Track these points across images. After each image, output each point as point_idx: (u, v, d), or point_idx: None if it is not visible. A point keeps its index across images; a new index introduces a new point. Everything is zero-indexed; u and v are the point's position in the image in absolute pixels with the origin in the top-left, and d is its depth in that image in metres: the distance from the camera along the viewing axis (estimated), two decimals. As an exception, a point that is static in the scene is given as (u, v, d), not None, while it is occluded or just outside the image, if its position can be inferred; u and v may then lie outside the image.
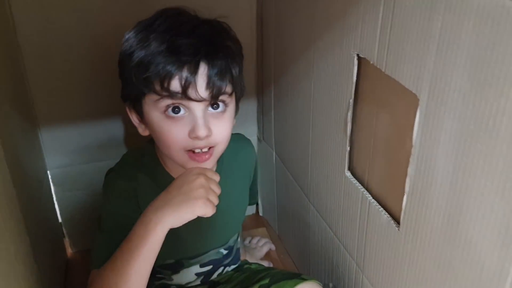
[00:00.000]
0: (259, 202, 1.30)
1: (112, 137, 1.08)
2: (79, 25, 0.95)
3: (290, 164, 1.04)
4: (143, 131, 0.76)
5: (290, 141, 1.02)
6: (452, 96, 0.50)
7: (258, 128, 1.21)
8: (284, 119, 1.02)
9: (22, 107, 0.94)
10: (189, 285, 0.88)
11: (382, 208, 0.70)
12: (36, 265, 0.75)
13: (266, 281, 0.83)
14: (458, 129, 0.50)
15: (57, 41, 0.95)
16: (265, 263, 1.10)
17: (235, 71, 0.71)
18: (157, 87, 0.68)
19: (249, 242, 1.22)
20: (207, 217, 0.65)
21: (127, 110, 0.77)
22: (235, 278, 0.90)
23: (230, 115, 0.74)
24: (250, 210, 1.34)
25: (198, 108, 0.69)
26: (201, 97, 0.68)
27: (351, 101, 0.72)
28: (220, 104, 0.72)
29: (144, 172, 0.78)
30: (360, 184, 0.75)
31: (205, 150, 0.71)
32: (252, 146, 0.94)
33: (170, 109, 0.69)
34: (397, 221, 0.66)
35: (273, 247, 1.21)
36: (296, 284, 0.80)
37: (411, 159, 0.60)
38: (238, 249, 0.95)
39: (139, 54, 0.69)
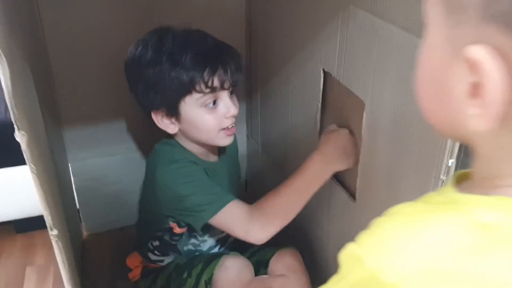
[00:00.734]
0: (247, 189, 1.49)
1: (122, 135, 1.27)
2: (101, 33, 1.12)
3: (274, 157, 1.24)
4: (173, 129, 0.95)
5: (273, 138, 1.22)
6: (386, 101, 0.71)
7: (247, 126, 1.40)
8: (269, 119, 1.22)
9: (50, 107, 1.12)
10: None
11: (342, 187, 0.91)
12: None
13: (256, 248, 1.03)
14: (392, 122, 0.71)
15: (81, 47, 1.12)
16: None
17: (241, 66, 0.95)
18: (202, 87, 0.89)
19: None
20: None
21: (156, 116, 0.94)
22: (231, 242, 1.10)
23: None
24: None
25: (226, 96, 0.92)
26: (229, 87, 0.92)
27: (319, 105, 0.92)
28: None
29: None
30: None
31: (231, 124, 0.95)
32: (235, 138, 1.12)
33: (211, 103, 0.91)
34: (353, 196, 0.87)
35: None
36: (276, 250, 1.00)
37: (361, 149, 0.80)
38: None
39: (176, 67, 0.88)
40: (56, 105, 1.18)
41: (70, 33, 1.11)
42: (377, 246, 0.36)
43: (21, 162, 1.26)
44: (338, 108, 0.90)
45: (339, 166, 0.87)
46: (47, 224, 0.66)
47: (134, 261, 1.09)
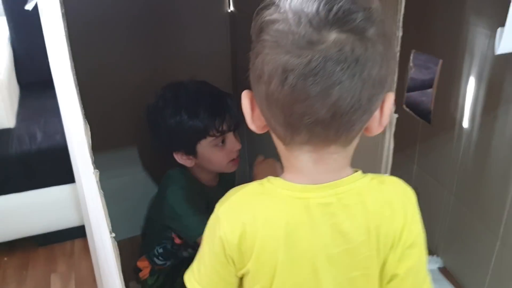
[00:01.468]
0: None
1: (130, 159, 1.44)
2: (124, 74, 1.29)
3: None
4: (190, 163, 1.18)
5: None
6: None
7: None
8: (257, 141, 1.37)
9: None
10: None
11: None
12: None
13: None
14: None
15: (109, 82, 1.28)
16: None
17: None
18: (214, 132, 1.11)
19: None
20: None
21: (177, 155, 1.16)
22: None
23: None
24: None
25: (231, 135, 1.15)
26: (233, 128, 1.15)
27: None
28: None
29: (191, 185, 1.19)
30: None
31: (236, 156, 1.18)
32: None
33: (220, 143, 1.14)
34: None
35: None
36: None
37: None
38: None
39: (193, 119, 1.10)
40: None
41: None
42: (223, 200, 0.64)
43: (42, 185, 1.47)
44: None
45: None
46: (108, 229, 0.71)
47: (143, 263, 1.30)
